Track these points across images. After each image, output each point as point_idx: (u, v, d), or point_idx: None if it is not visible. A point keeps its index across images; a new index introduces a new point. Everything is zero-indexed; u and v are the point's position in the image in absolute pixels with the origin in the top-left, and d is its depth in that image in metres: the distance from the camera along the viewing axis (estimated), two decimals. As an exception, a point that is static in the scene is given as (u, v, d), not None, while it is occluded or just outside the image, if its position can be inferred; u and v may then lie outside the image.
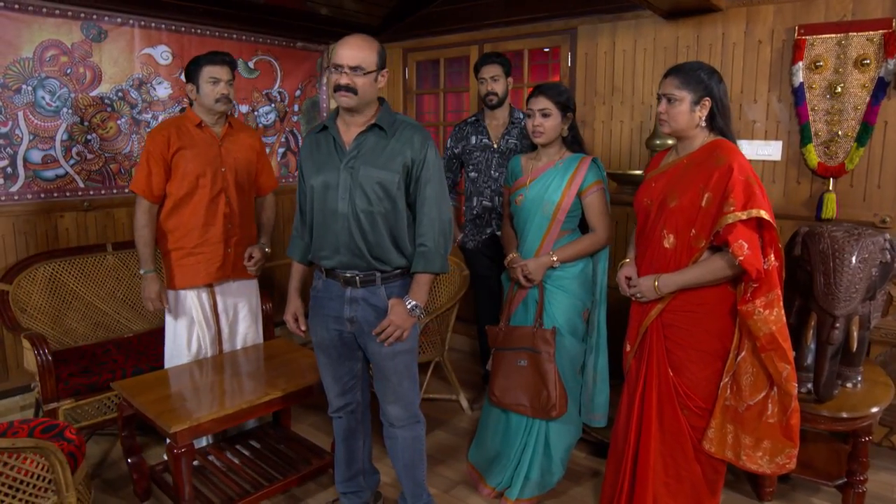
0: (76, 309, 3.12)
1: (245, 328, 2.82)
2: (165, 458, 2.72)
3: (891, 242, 2.30)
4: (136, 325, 3.30)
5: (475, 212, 3.17)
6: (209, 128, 2.63)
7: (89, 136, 3.25)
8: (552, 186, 2.40)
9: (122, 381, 2.46)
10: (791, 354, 1.89)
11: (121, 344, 3.11)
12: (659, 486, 2.09)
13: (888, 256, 2.29)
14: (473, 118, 3.23)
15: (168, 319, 2.70)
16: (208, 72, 2.52)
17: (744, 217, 1.82)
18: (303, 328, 2.23)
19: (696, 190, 1.93)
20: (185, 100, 3.58)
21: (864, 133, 2.75)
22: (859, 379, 2.44)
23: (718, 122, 1.97)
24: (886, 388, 2.44)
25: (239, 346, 2.82)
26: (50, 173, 3.14)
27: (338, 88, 1.93)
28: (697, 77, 1.94)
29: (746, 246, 1.82)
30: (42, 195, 3.13)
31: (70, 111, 3.16)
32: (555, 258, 2.39)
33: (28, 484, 1.79)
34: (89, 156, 3.26)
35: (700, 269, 1.94)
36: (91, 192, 3.29)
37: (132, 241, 3.35)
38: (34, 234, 3.13)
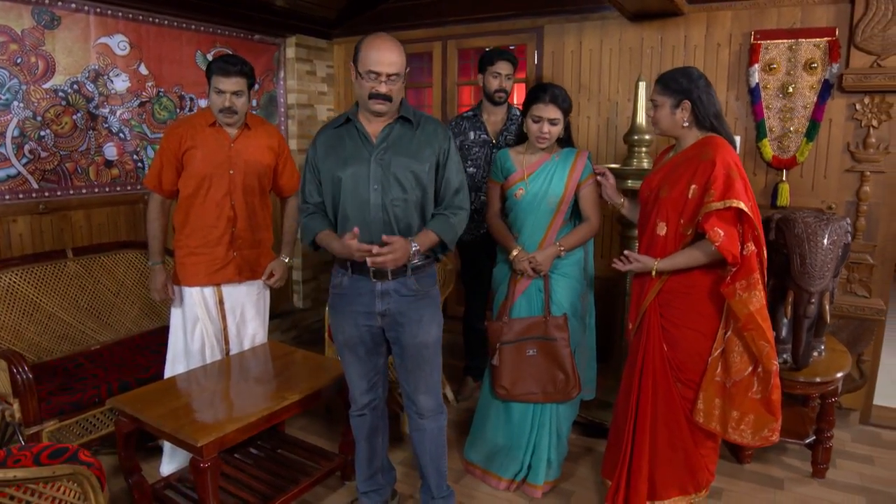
0: (37, 321, 2.84)
1: (253, 329, 2.74)
2: (163, 475, 2.58)
3: (851, 225, 2.62)
4: (102, 335, 3.05)
5: (473, 206, 3.17)
6: (222, 128, 2.53)
7: (43, 133, 2.96)
8: (555, 180, 2.50)
9: (120, 397, 2.29)
10: (770, 334, 2.05)
11: (92, 357, 2.87)
12: (654, 455, 2.25)
13: (849, 238, 2.60)
14: (471, 113, 3.22)
15: (173, 314, 2.64)
16: (214, 81, 2.43)
17: (720, 206, 1.98)
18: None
19: (684, 182, 2.10)
20: (143, 94, 3.36)
21: (813, 129, 3.08)
22: (822, 348, 2.74)
23: (704, 121, 2.13)
24: (844, 354, 2.77)
25: (247, 346, 2.73)
26: (0, 173, 2.84)
27: (374, 96, 1.94)
28: (676, 82, 2.13)
29: (722, 233, 1.98)
30: (-9, 198, 2.83)
31: (21, 105, 2.86)
32: (562, 247, 2.50)
33: (61, 512, 1.65)
34: (43, 154, 2.97)
35: (685, 254, 2.12)
36: (46, 194, 3.00)
37: (93, 245, 3.17)
38: (-16, 241, 2.82)
